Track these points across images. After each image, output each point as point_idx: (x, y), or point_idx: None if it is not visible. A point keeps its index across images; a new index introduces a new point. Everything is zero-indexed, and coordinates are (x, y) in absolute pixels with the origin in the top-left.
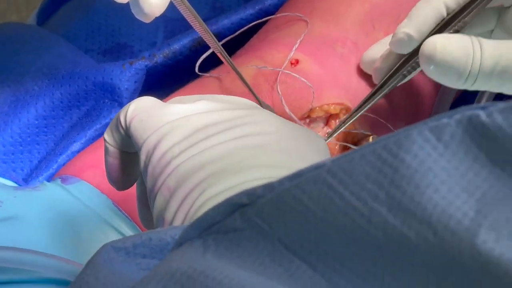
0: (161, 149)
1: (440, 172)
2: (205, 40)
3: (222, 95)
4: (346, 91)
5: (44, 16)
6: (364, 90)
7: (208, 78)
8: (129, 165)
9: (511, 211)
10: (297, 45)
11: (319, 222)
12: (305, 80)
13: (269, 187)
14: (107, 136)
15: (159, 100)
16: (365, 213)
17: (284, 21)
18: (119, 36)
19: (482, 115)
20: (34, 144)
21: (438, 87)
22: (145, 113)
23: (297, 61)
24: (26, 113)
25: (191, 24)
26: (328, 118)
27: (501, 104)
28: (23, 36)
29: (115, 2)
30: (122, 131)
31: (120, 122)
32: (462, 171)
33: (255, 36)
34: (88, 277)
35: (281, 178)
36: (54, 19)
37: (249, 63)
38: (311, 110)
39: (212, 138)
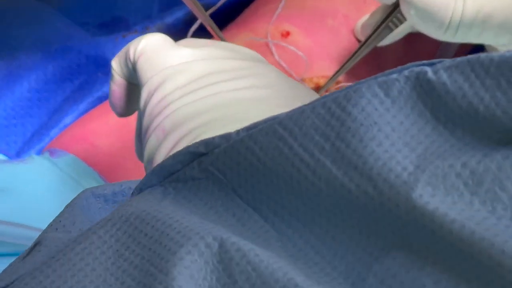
0: (162, 91)
1: (385, 126)
2: (193, 11)
3: (230, 44)
4: (336, 63)
5: None
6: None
7: None
8: (132, 94)
9: (449, 166)
10: (277, 13)
11: (269, 172)
12: (295, 50)
13: (226, 137)
14: (114, 64)
15: (169, 39)
16: (311, 164)
17: None
18: (114, 9)
19: (429, 72)
20: (27, 117)
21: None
22: (152, 52)
23: (288, 33)
24: (19, 86)
25: None
26: (317, 91)
27: (447, 62)
28: (17, 9)
29: None
30: (130, 64)
31: (129, 55)
32: (407, 126)
33: (246, 9)
34: (65, 220)
35: (239, 129)
36: None
37: (240, 35)
38: (301, 80)
39: (213, 86)
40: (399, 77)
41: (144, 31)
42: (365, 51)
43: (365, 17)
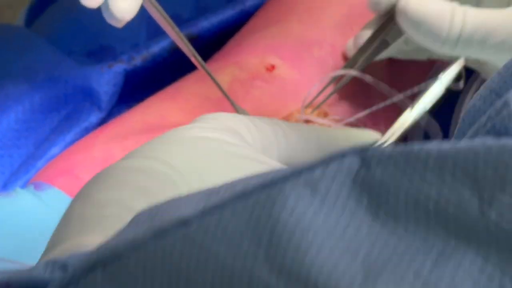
0: None
1: (319, 230)
2: (178, 45)
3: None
4: (323, 96)
5: (31, 16)
6: (342, 94)
7: (187, 81)
8: None
9: (401, 278)
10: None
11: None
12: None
13: (130, 245)
14: None
15: None
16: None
17: (262, 23)
18: (102, 38)
19: (359, 166)
20: (15, 148)
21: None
22: None
23: (272, 67)
24: (6, 118)
25: (164, 28)
26: (308, 123)
27: (378, 153)
28: (5, 38)
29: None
30: None
31: None
32: (342, 228)
33: (232, 39)
34: None
35: (144, 235)
36: (40, 20)
37: (226, 70)
38: (288, 114)
39: None
40: (325, 173)
41: (130, 61)
42: (360, 62)
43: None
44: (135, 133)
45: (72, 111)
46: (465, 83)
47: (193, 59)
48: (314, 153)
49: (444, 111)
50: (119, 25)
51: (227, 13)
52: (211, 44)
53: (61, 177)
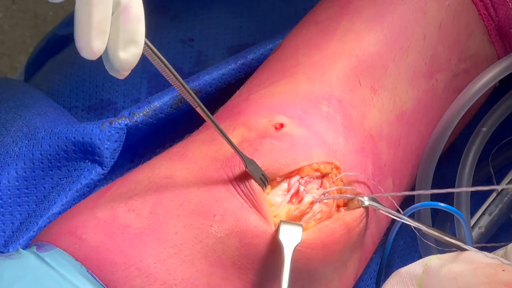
0: None
1: None
2: (186, 99)
3: None
4: (334, 151)
5: (31, 70)
6: (351, 150)
7: (195, 142)
8: None
9: None
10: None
11: None
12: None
13: None
14: None
15: None
16: None
17: (267, 77)
18: (102, 92)
19: None
20: (15, 205)
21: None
22: None
23: (281, 125)
24: (6, 175)
25: (168, 79)
26: (322, 179)
27: None
28: (5, 93)
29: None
30: None
31: None
32: None
33: (237, 93)
34: None
35: None
36: (40, 74)
37: (234, 132)
38: (300, 169)
39: None
40: None
41: (132, 116)
42: None
43: None
44: (141, 193)
45: (73, 168)
46: None
47: (199, 111)
48: None
49: None
50: (121, 76)
51: (229, 67)
52: (213, 98)
53: (65, 238)
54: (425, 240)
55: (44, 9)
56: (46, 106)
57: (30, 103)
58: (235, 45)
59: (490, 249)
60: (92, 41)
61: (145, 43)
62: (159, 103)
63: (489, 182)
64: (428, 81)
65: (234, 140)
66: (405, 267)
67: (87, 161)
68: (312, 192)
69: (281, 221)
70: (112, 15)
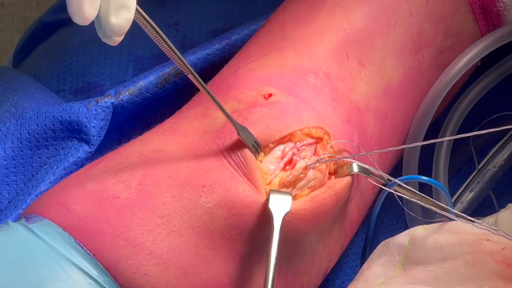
0: None
1: None
2: (179, 67)
3: None
4: (324, 118)
5: (19, 57)
6: (339, 120)
7: (186, 117)
8: None
9: None
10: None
11: None
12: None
13: None
14: None
15: None
16: None
17: (255, 51)
18: (89, 76)
19: None
20: (3, 185)
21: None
22: None
23: (270, 95)
24: None
25: (160, 46)
26: (315, 146)
27: None
28: None
29: (87, 42)
30: None
31: None
32: None
33: (225, 67)
34: None
35: None
36: (28, 61)
37: (225, 105)
38: (291, 134)
39: None
40: None
41: (117, 95)
42: None
43: None
44: (131, 166)
45: (61, 146)
46: None
47: (190, 77)
48: None
49: None
50: (113, 43)
51: (213, 47)
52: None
53: (53, 209)
54: (412, 213)
55: (33, 13)
56: (34, 89)
57: (17, 86)
58: (220, 28)
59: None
60: (83, 7)
61: (136, 9)
62: (144, 82)
63: (471, 162)
64: (414, 57)
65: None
66: (392, 237)
67: (74, 139)
68: (305, 158)
69: (271, 190)
70: None
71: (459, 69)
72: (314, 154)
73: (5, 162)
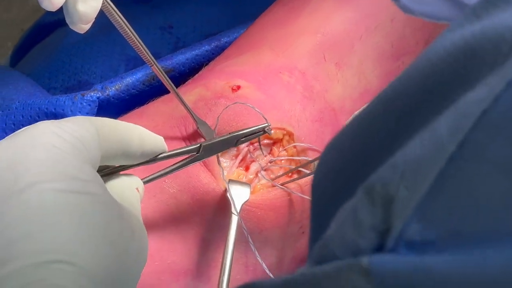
0: None
1: None
2: (143, 59)
3: None
4: (289, 117)
5: (17, 58)
6: (308, 118)
7: (154, 102)
8: None
9: None
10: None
11: None
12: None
13: None
14: None
15: None
16: None
17: (234, 51)
18: (81, 74)
19: None
20: None
21: None
22: None
23: (238, 87)
24: None
25: (125, 37)
26: (272, 147)
27: None
28: None
29: (80, 42)
30: None
31: None
32: None
33: (205, 66)
34: None
35: None
36: (24, 60)
37: (193, 91)
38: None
39: None
40: None
41: (104, 90)
42: None
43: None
44: None
45: None
46: None
47: (154, 69)
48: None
49: None
50: (80, 30)
51: (203, 48)
52: (186, 77)
53: None
54: None
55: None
56: (24, 83)
57: (8, 81)
58: (213, 32)
59: None
60: None
61: None
62: (131, 79)
63: None
64: (394, 63)
65: (192, 98)
66: None
67: None
68: (259, 159)
69: (230, 180)
70: None
71: None
72: (269, 154)
73: None
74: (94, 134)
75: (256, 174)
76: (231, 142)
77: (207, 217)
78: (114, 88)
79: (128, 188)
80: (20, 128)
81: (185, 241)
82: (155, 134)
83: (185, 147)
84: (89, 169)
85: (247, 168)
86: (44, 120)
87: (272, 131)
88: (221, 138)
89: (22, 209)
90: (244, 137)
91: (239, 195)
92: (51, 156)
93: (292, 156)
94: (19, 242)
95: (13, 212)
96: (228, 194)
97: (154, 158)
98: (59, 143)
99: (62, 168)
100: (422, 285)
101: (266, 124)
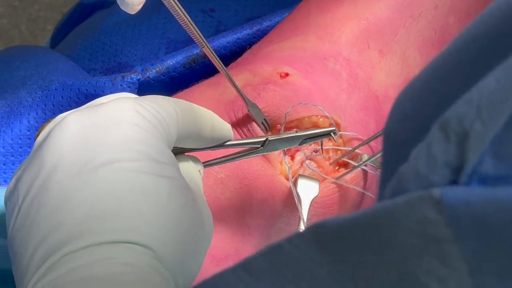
0: None
1: None
2: (195, 40)
3: None
4: (335, 107)
5: (57, 39)
6: (353, 107)
7: (200, 86)
8: None
9: None
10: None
11: None
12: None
13: None
14: None
15: None
16: None
17: (278, 36)
18: (121, 56)
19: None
20: (25, 154)
21: None
22: None
23: (286, 74)
24: (19, 124)
25: (179, 21)
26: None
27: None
28: (28, 53)
29: (121, 23)
30: None
31: None
32: None
33: (248, 50)
34: None
35: None
36: (64, 41)
37: (240, 76)
38: (299, 119)
39: None
40: (256, 256)
41: (144, 72)
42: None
43: None
44: None
45: None
46: None
47: (205, 50)
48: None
49: None
50: (131, 11)
51: (244, 32)
52: (227, 61)
53: None
54: None
55: None
56: (64, 64)
57: (48, 62)
58: (255, 16)
59: None
60: None
61: None
62: (172, 62)
63: None
64: (437, 51)
65: (238, 83)
66: None
67: None
68: (304, 149)
69: (299, 175)
70: None
71: None
72: (314, 143)
73: (28, 132)
74: (174, 116)
75: (302, 164)
76: (296, 141)
77: (254, 203)
78: (155, 70)
79: (195, 170)
80: (59, 109)
81: (229, 227)
82: (223, 121)
83: (251, 138)
84: (168, 152)
85: (292, 157)
86: (84, 101)
87: (340, 139)
88: (288, 135)
89: (99, 186)
90: (310, 138)
91: (308, 191)
92: (133, 135)
93: (338, 146)
94: (93, 219)
95: (91, 188)
96: (297, 191)
97: (221, 144)
98: (142, 123)
99: (143, 149)
100: (494, 216)
101: (333, 128)
